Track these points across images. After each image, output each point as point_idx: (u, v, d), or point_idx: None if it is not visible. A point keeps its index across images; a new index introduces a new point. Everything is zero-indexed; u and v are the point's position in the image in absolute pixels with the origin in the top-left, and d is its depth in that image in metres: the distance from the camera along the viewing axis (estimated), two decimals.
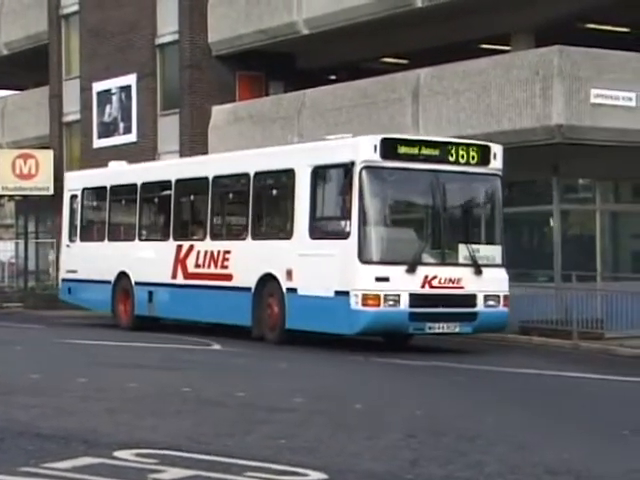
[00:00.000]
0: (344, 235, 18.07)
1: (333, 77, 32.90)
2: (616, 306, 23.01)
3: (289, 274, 19.28)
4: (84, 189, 26.52)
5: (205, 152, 29.97)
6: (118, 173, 26.32)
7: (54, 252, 36.98)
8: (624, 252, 27.96)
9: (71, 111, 38.03)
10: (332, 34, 29.02)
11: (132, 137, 34.75)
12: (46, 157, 37.53)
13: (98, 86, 36.19)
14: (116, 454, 9.01)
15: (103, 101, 36.07)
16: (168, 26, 33.57)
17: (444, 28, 27.15)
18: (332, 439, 10.28)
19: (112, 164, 28.17)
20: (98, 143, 36.21)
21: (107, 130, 35.97)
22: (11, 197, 37.50)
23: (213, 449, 9.30)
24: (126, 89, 35.14)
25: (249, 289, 20.36)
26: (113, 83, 35.57)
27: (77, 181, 27.20)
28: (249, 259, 20.68)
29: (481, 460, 9.25)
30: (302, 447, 9.66)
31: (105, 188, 25.68)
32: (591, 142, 18.71)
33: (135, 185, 24.60)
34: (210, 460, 8.83)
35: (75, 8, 37.52)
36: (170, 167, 25.30)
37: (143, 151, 32.08)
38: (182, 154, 30.48)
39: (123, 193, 25.61)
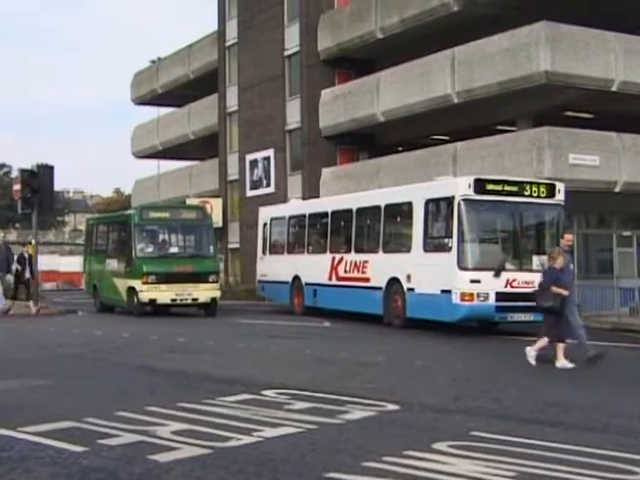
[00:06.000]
0: (447, 249, 16.72)
1: (400, 148, 32.82)
2: (588, 295, 22.56)
3: (408, 278, 18.00)
4: (271, 218, 25.29)
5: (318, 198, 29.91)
6: (293, 207, 25.31)
7: (222, 261, 37.08)
8: (592, 261, 27.45)
9: (232, 173, 38.34)
10: (399, 120, 28.90)
11: (271, 189, 34.92)
12: (217, 203, 37.96)
13: (249, 157, 36.48)
14: (263, 392, 9.09)
15: (252, 166, 36.38)
16: (294, 118, 33.76)
17: (472, 115, 26.90)
18: (402, 384, 10.23)
19: (292, 201, 27.49)
20: (249, 193, 36.45)
21: (255, 185, 36.23)
22: None
23: (326, 390, 9.33)
24: (267, 159, 35.41)
25: (381, 288, 19.05)
26: (259, 155, 35.86)
27: (267, 213, 25.83)
28: (381, 267, 19.29)
29: (498, 397, 9.15)
30: (383, 389, 9.64)
31: (285, 217, 24.50)
32: (569, 189, 18.34)
33: (304, 215, 23.53)
34: (324, 397, 8.85)
35: (235, 108, 37.89)
36: (327, 202, 23.73)
37: (278, 198, 32.24)
38: (304, 199, 30.44)
39: (297, 221, 24.19)
